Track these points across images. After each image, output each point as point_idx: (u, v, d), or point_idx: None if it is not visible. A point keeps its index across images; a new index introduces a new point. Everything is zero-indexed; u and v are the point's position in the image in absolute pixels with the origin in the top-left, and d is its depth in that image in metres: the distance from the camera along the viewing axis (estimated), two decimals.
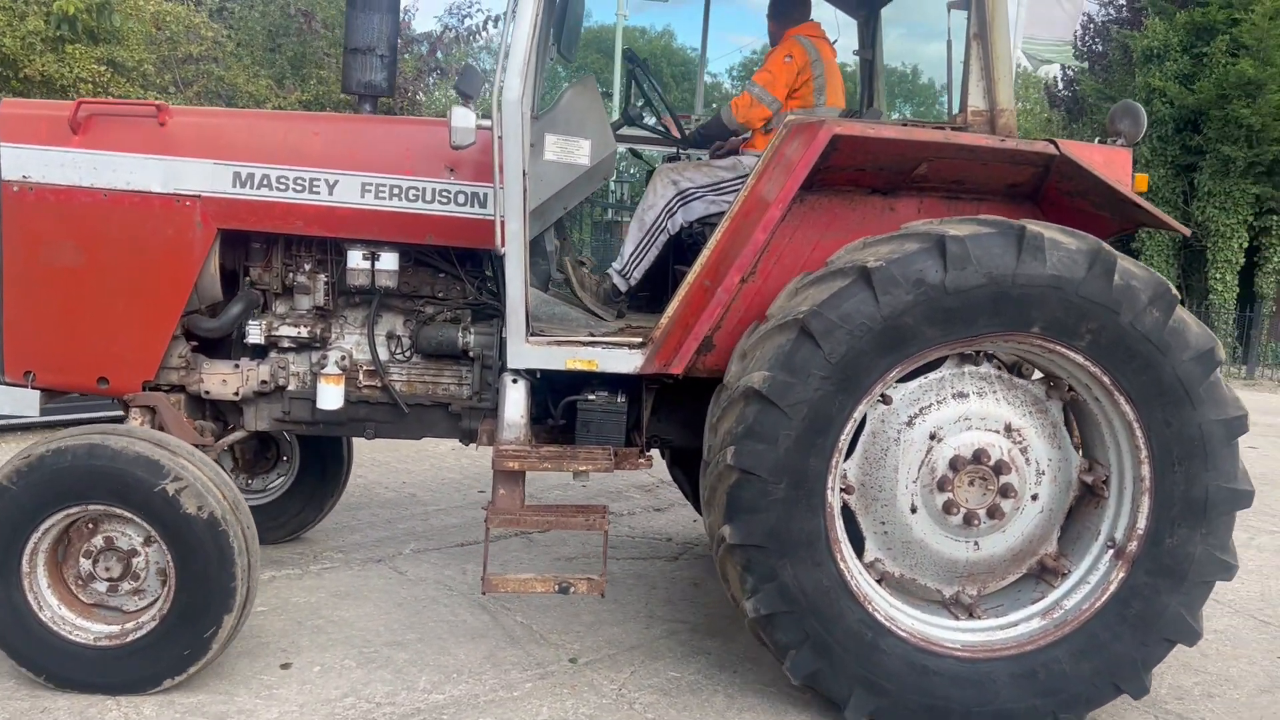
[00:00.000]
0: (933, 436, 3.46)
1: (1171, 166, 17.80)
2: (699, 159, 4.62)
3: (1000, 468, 3.49)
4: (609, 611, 4.40)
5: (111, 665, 3.42)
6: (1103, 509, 3.62)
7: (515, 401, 3.74)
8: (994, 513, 3.51)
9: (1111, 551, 3.58)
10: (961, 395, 3.49)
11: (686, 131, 4.69)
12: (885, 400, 3.46)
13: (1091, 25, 20.04)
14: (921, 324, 3.23)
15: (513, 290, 3.62)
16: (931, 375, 3.48)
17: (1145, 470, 3.44)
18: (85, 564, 3.43)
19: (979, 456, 3.47)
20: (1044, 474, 3.57)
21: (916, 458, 3.48)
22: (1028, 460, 3.54)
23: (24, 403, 3.89)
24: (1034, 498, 3.57)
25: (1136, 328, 3.27)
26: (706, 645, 4.12)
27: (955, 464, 3.46)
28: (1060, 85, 21.04)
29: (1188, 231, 3.73)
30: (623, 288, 4.28)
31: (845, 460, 3.43)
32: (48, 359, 3.85)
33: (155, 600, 3.46)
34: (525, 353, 3.67)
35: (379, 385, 4.11)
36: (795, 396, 3.21)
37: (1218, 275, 17.71)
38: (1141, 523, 3.48)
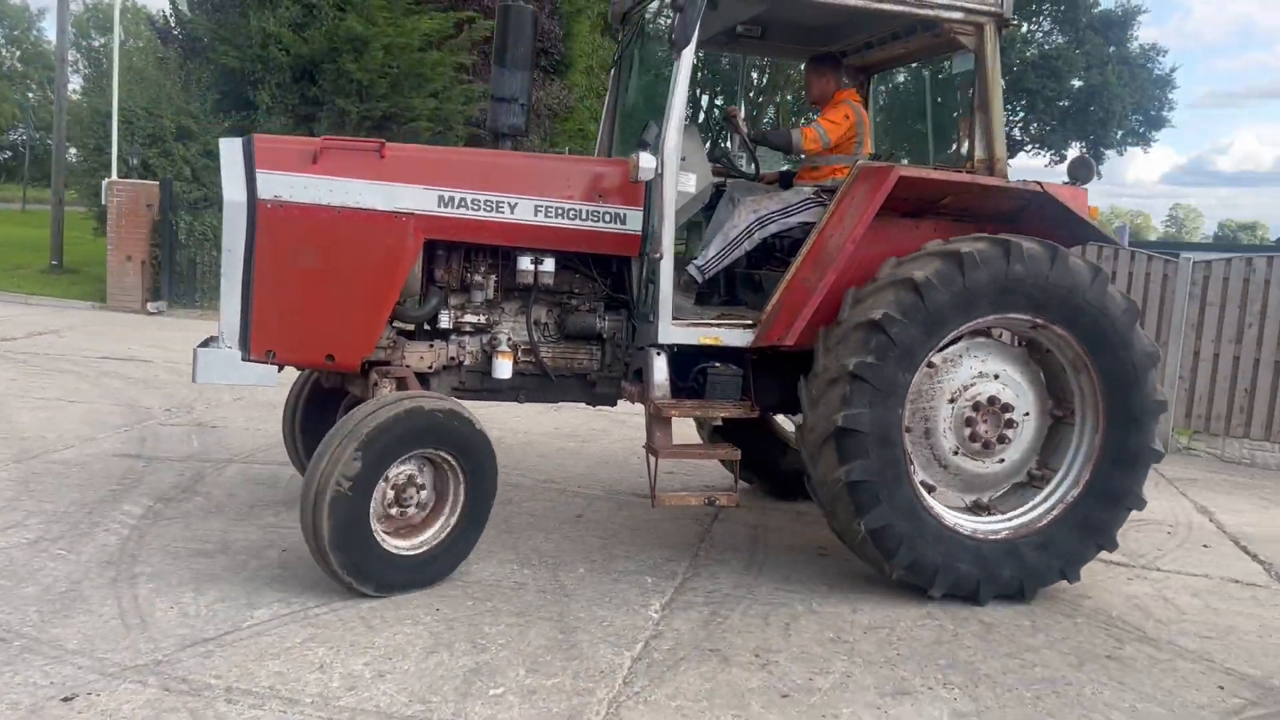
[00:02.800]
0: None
1: (292, 115, 17.16)
2: (760, 186, 6.02)
3: (1005, 408, 5.05)
4: None
5: (426, 566, 4.59)
6: (1072, 430, 5.21)
7: (660, 368, 5.03)
8: (1003, 439, 5.06)
9: (1084, 453, 5.16)
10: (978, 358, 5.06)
11: (753, 133, 6.00)
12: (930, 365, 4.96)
13: None
14: (986, 297, 4.76)
15: (665, 286, 4.92)
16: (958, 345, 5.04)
17: (1099, 396, 5.06)
18: (390, 495, 4.52)
19: (992, 401, 5.02)
20: (1028, 413, 5.15)
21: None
22: (1020, 400, 5.11)
23: (265, 375, 4.89)
24: (1023, 422, 5.14)
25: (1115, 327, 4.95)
26: None
27: (978, 406, 5.00)
28: (173, 23, 19.77)
29: (1123, 245, 5.40)
30: (699, 279, 5.60)
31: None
32: (287, 340, 4.84)
33: (448, 510, 4.63)
34: (672, 332, 4.97)
35: (533, 360, 5.31)
36: (899, 329, 4.66)
37: None
38: (1100, 433, 5.09)
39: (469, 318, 5.21)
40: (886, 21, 5.50)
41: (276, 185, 4.74)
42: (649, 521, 5.95)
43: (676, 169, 4.88)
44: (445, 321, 5.18)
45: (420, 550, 4.59)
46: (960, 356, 5.06)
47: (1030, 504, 5.18)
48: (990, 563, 4.97)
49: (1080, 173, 5.29)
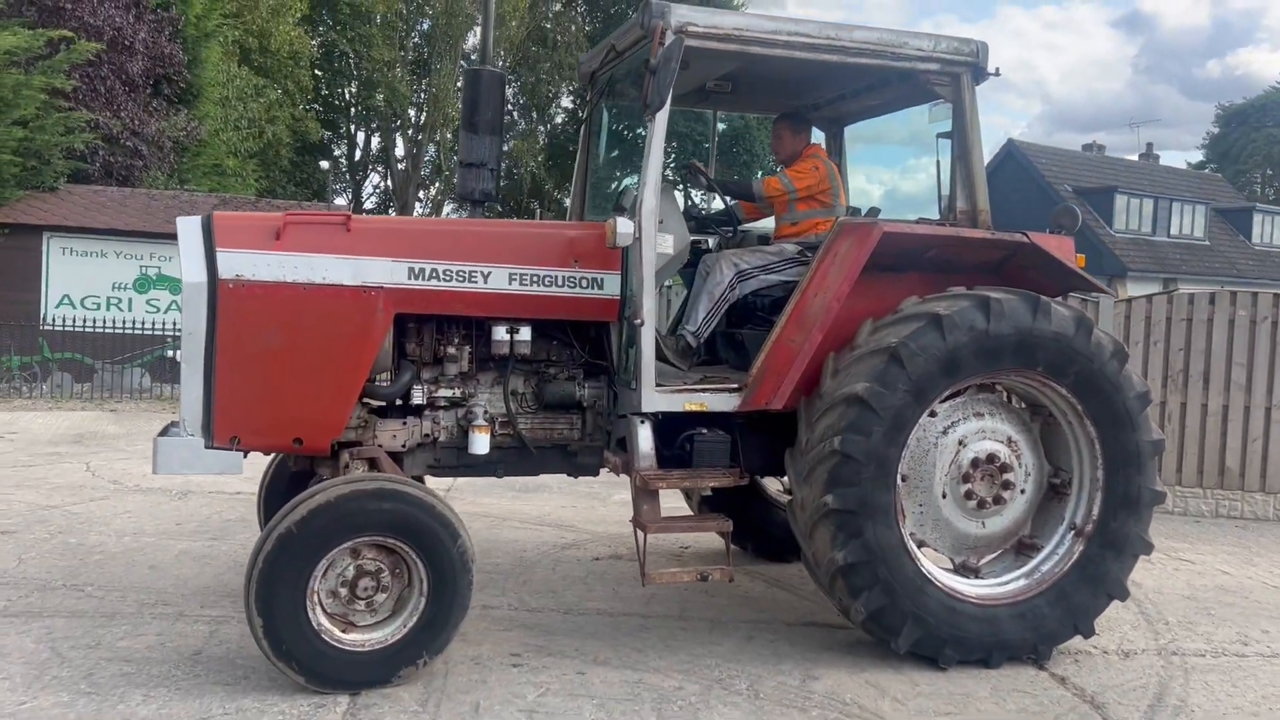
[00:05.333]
0: (960, 443, 4.84)
1: None
2: (743, 243, 5.88)
3: (1004, 468, 4.90)
4: None
5: (367, 666, 4.24)
6: (1066, 502, 5.07)
7: (646, 437, 4.82)
8: (998, 499, 4.90)
9: (1073, 532, 5.02)
10: (979, 414, 4.89)
11: (713, 178, 5.86)
12: (930, 414, 4.79)
13: None
14: (971, 356, 4.61)
15: (646, 351, 4.73)
16: (957, 399, 4.87)
17: (1100, 474, 4.92)
18: (343, 590, 4.22)
19: (991, 458, 4.87)
20: (1029, 475, 5.01)
21: (948, 457, 4.84)
22: (1020, 463, 4.96)
23: (230, 463, 4.63)
24: (1022, 491, 4.99)
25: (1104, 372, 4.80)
26: None
27: (974, 463, 4.84)
28: None
29: (1116, 294, 5.31)
30: (694, 344, 5.45)
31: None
32: (252, 425, 4.58)
33: (413, 603, 4.28)
34: (655, 399, 4.78)
35: (511, 433, 5.09)
36: (882, 401, 4.50)
37: None
38: (1095, 511, 4.95)
39: (443, 392, 4.99)
40: (862, 75, 5.42)
41: (238, 264, 4.52)
42: None
43: (655, 232, 4.73)
44: (418, 397, 4.95)
45: (377, 647, 4.27)
46: (959, 413, 4.93)
47: (1024, 569, 5.02)
48: (1001, 626, 4.80)
49: (1066, 221, 5.21)
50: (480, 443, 4.92)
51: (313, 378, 4.62)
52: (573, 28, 29.20)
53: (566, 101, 31.37)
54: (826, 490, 4.56)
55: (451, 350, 5.00)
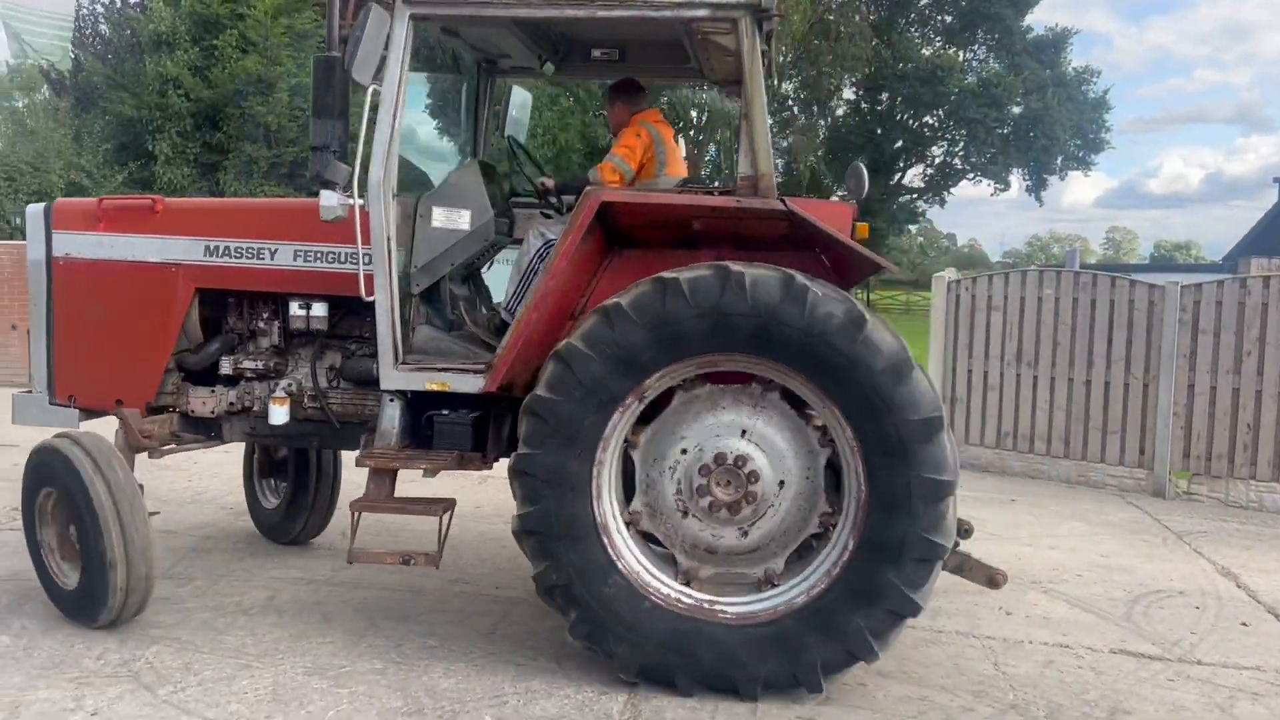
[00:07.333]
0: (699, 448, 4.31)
1: (195, 165, 16.59)
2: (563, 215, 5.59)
3: (741, 459, 4.25)
4: None
5: (77, 602, 4.80)
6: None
7: (390, 416, 4.80)
8: (750, 498, 4.25)
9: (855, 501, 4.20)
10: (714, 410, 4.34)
11: (557, 183, 5.58)
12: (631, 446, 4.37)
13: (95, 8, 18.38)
14: (695, 331, 4.15)
15: (382, 327, 4.70)
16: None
17: (862, 469, 4.13)
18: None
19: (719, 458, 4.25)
20: (786, 459, 4.30)
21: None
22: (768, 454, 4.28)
23: (68, 418, 5.31)
24: (781, 484, 4.30)
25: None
26: None
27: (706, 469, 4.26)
28: (66, 72, 19.06)
29: (896, 269, 4.35)
30: (508, 320, 5.26)
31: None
32: (83, 386, 5.26)
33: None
34: (394, 376, 4.73)
35: (319, 407, 5.27)
36: (583, 363, 4.17)
37: None
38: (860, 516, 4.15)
39: (247, 364, 5.28)
40: (650, 30, 4.93)
41: (67, 244, 5.20)
42: None
43: (388, 204, 4.66)
44: (226, 368, 5.30)
45: (71, 586, 4.76)
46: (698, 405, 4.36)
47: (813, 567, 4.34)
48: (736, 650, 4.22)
49: (851, 184, 4.37)
50: (277, 414, 5.15)
51: (127, 346, 5.18)
52: (856, 17, 28.04)
53: (849, 93, 30.32)
54: (520, 447, 4.28)
55: (261, 325, 5.30)
